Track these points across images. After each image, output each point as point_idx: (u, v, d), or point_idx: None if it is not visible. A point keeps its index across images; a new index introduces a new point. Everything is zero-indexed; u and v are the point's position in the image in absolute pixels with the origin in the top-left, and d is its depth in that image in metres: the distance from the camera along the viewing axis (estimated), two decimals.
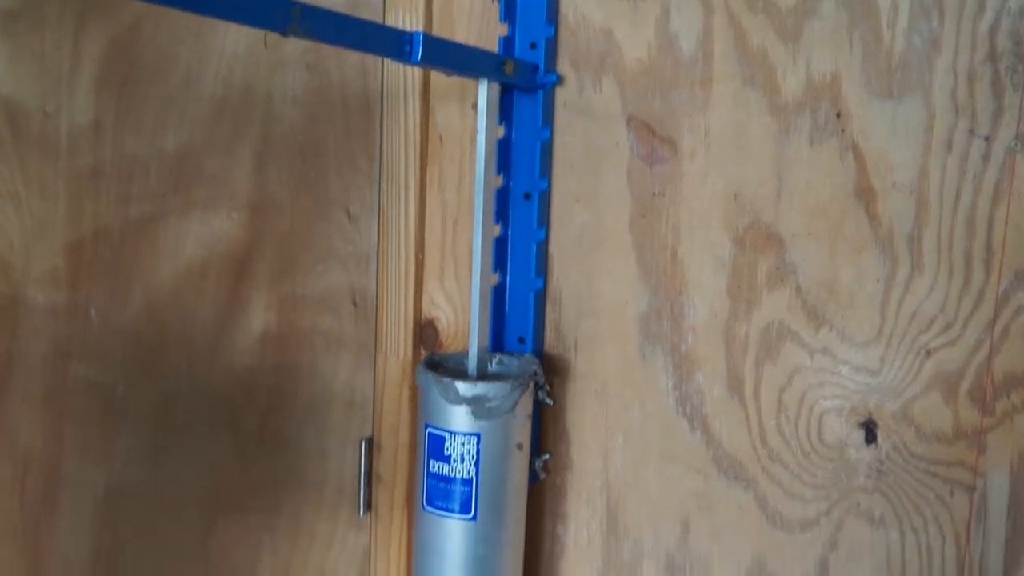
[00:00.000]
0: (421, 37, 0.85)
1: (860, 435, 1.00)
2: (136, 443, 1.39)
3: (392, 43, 0.86)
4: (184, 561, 1.38)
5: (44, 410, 1.45)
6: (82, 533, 1.45)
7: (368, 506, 1.24)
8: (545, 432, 1.14)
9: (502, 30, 1.06)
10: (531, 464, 1.10)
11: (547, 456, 1.13)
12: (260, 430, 1.30)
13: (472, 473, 1.03)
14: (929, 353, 0.96)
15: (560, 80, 1.07)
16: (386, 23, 1.12)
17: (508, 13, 1.06)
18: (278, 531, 1.31)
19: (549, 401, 1.11)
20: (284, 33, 0.75)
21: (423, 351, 1.18)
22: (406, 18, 1.11)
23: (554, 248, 1.11)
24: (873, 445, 0.99)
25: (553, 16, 1.05)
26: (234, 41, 1.22)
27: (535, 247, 1.09)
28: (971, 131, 0.92)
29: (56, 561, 1.47)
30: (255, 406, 1.30)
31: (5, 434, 1.48)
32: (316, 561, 1.29)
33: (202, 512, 1.36)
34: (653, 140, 1.04)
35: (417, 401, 1.13)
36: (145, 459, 1.38)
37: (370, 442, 1.22)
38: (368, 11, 1.13)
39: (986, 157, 0.92)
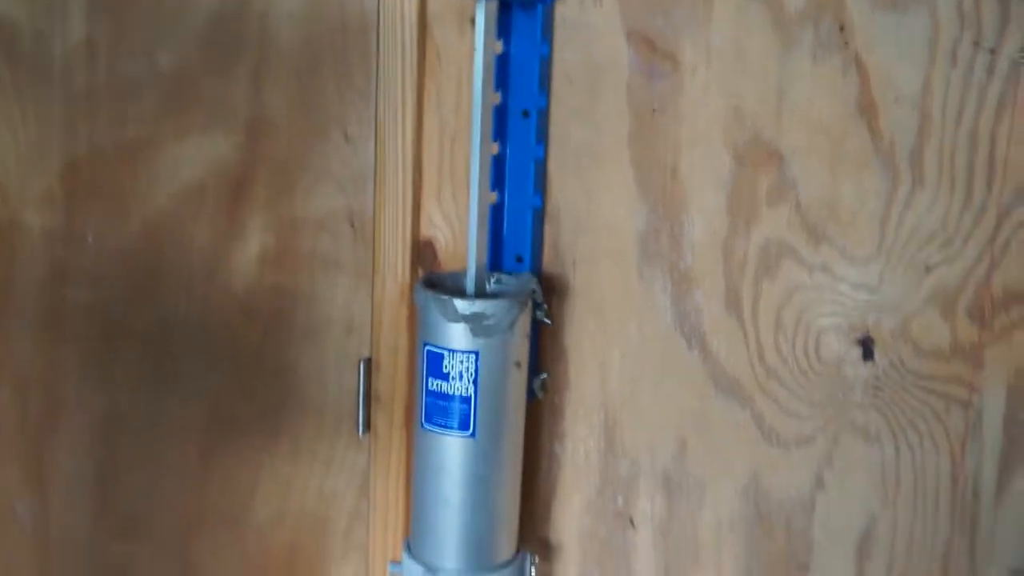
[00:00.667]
0: None
1: (857, 352, 0.99)
2: (135, 367, 1.38)
3: None
4: (185, 482, 1.38)
5: (43, 334, 1.44)
6: (84, 455, 1.45)
7: (367, 427, 1.23)
8: (543, 351, 1.13)
9: None
10: (529, 383, 1.09)
11: (545, 375, 1.13)
12: (259, 353, 1.29)
13: (471, 391, 1.02)
14: (928, 269, 0.95)
15: None
16: None
17: None
18: (278, 453, 1.31)
19: (547, 320, 1.10)
20: None
21: (421, 272, 1.17)
22: None
23: (552, 166, 1.09)
24: (870, 362, 0.99)
25: None
26: None
27: (533, 165, 1.08)
28: (976, 44, 0.90)
29: (59, 482, 1.47)
30: (253, 329, 1.29)
31: (5, 358, 1.47)
32: (316, 482, 1.29)
33: (202, 435, 1.35)
34: (653, 56, 1.02)
35: (416, 321, 1.12)
36: (144, 382, 1.38)
37: (368, 363, 1.22)
38: None
39: (991, 71, 0.90)
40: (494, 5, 0.99)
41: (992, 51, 0.90)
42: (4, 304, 1.45)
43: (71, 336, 1.42)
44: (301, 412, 1.28)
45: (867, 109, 0.95)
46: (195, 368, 1.34)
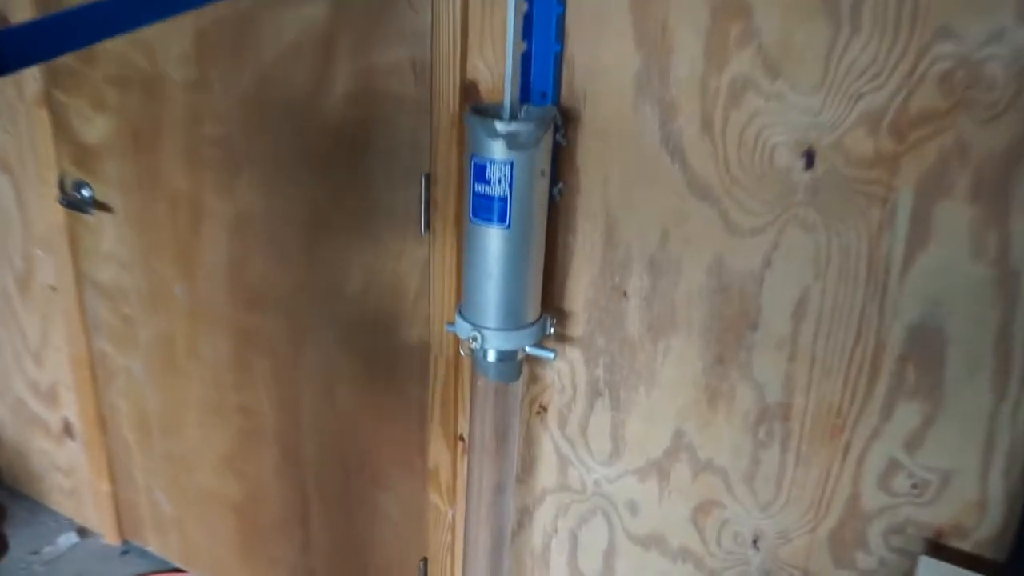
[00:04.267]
0: None
1: (802, 162, 0.95)
2: (254, 182, 1.37)
3: None
4: (294, 268, 1.38)
5: (186, 160, 1.43)
6: (219, 248, 1.45)
7: (427, 226, 1.21)
8: (560, 167, 1.09)
9: None
10: (550, 190, 1.06)
11: (561, 184, 1.09)
12: (346, 170, 1.27)
13: (507, 192, 1.00)
14: (860, 97, 0.90)
15: None
16: None
17: None
18: (363, 247, 1.30)
19: (563, 141, 1.06)
20: None
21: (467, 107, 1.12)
22: None
23: (570, 22, 1.03)
24: (811, 170, 0.94)
25: None
26: None
27: (555, 19, 1.02)
28: None
29: (203, 266, 1.49)
30: (342, 152, 1.26)
31: (161, 179, 1.47)
32: (391, 267, 1.29)
33: (305, 233, 1.35)
34: None
35: (464, 142, 1.09)
36: (261, 194, 1.37)
37: (428, 178, 1.19)
38: None
39: None
40: None
41: None
42: (158, 138, 1.44)
43: (207, 161, 1.40)
44: (378, 215, 1.26)
45: None
46: (299, 183, 1.32)
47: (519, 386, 1.15)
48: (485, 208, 1.01)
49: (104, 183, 1.54)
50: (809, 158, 0.94)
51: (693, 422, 1.12)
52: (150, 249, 1.53)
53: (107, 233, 1.58)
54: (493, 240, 1.02)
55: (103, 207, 1.56)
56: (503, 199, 1.00)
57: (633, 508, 1.21)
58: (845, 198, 0.94)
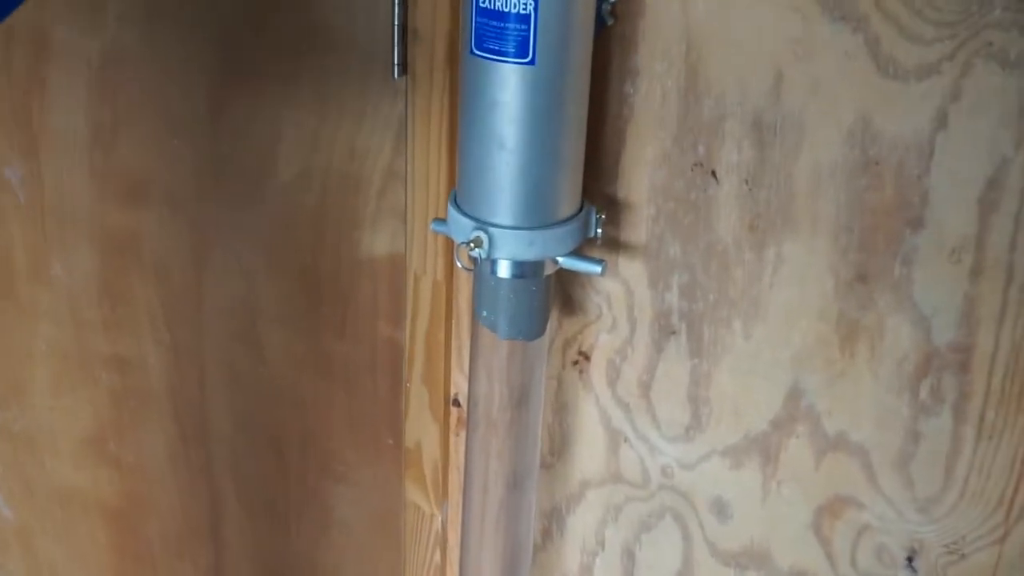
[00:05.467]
0: None
1: None
2: (131, 3, 1.35)
3: None
4: (192, 138, 1.38)
5: None
6: (77, 109, 1.45)
7: (404, 69, 1.20)
8: None
9: None
10: (597, 6, 1.05)
11: None
12: None
13: (530, 7, 0.98)
14: None
15: None
16: None
17: None
18: (301, 103, 1.29)
19: None
20: None
21: None
22: None
23: None
24: None
25: None
26: None
27: None
28: None
29: (50, 136, 1.48)
30: None
31: None
32: (345, 135, 1.28)
33: (211, 81, 1.34)
34: None
35: None
36: (142, 21, 1.36)
37: None
38: None
39: None
40: None
41: None
42: None
43: None
44: (326, 53, 1.25)
45: None
46: (201, 4, 1.31)
47: (547, 321, 1.15)
48: (496, 33, 0.99)
49: None
50: None
51: (818, 375, 1.12)
52: None
53: None
54: (508, 84, 1.01)
55: None
56: (523, 18, 0.98)
57: (722, 509, 1.22)
58: None
